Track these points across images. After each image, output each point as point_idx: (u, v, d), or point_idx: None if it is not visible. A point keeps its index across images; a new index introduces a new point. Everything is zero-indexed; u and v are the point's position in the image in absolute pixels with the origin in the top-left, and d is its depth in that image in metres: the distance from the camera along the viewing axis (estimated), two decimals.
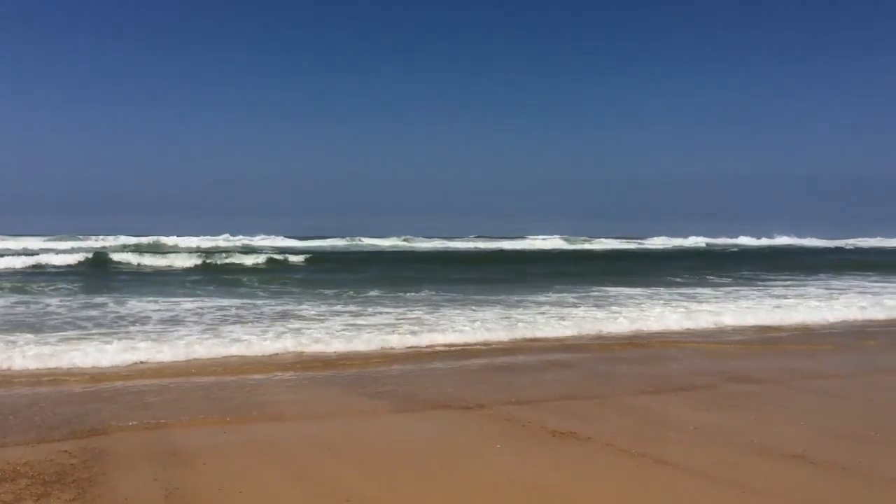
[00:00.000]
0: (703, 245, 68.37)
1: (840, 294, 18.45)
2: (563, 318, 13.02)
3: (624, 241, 68.77)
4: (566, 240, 65.23)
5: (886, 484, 4.69)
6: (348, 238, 62.85)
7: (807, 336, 11.98)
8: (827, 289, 20.26)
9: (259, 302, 15.82)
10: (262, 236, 60.79)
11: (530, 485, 4.71)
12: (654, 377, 8.37)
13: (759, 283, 23.07)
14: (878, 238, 79.37)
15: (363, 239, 62.54)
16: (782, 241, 76.59)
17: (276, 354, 9.80)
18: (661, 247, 63.32)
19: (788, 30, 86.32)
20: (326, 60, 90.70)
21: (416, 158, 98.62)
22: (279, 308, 14.55)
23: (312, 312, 13.82)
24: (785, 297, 17.77)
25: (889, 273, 27.65)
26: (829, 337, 11.87)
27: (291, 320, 12.66)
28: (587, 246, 61.11)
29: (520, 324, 12.19)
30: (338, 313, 13.70)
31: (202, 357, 9.42)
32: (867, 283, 22.38)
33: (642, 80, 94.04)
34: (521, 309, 14.56)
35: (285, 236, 61.90)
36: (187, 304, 15.19)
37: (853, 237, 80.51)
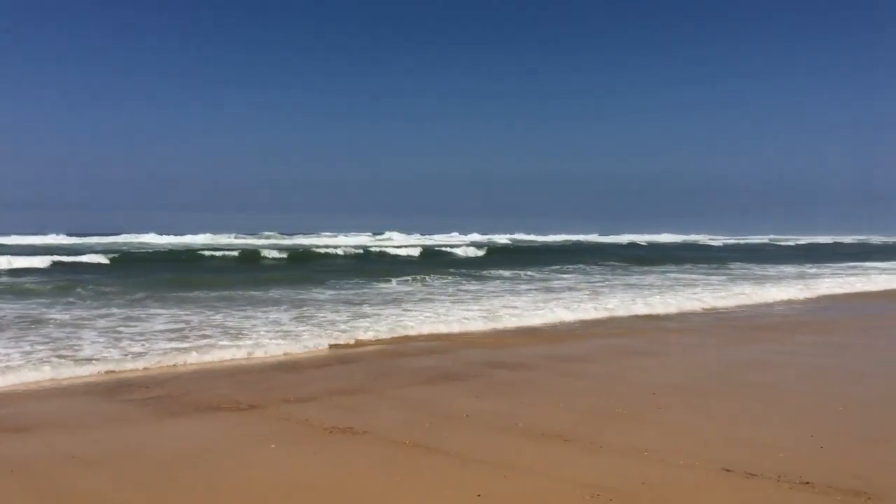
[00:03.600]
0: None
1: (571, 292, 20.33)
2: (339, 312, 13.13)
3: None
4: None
5: (629, 451, 5.32)
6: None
7: (566, 329, 13.14)
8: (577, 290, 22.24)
9: None
10: None
11: (305, 484, 4.76)
12: (430, 369, 8.75)
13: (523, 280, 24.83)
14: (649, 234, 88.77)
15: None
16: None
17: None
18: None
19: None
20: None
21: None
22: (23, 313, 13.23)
23: (66, 317, 12.73)
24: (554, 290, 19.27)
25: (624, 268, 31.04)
26: (579, 328, 13.11)
27: (45, 326, 11.58)
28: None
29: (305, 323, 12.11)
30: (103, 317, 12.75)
31: None
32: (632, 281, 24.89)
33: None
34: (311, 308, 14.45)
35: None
36: None
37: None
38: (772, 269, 30.03)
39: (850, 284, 21.86)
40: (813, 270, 29.70)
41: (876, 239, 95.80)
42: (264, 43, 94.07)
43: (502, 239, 68.81)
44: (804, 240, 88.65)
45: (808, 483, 4.69)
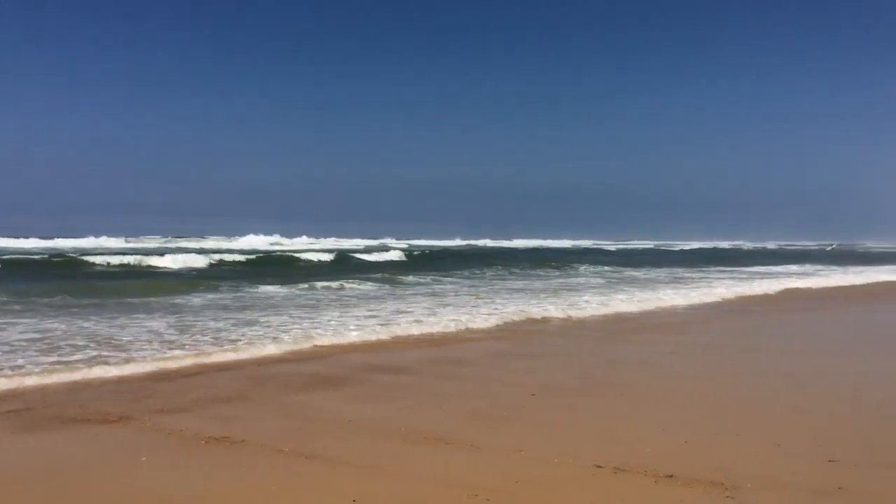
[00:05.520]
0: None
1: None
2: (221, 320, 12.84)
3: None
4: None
5: (507, 451, 5.52)
6: None
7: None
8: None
9: None
10: None
11: (177, 496, 4.67)
12: (312, 375, 8.71)
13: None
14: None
15: None
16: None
17: None
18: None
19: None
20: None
21: None
22: None
23: None
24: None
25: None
26: (464, 332, 13.39)
27: None
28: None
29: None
30: None
31: None
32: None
33: None
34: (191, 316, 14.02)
35: None
36: None
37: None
38: (656, 272, 31.58)
39: (728, 288, 23.26)
40: (695, 275, 31.41)
41: (748, 245, 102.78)
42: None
43: (399, 244, 68.87)
44: (690, 245, 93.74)
45: (672, 476, 5.01)
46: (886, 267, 39.71)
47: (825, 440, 5.92)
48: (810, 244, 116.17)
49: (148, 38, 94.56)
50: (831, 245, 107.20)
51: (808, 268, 38.72)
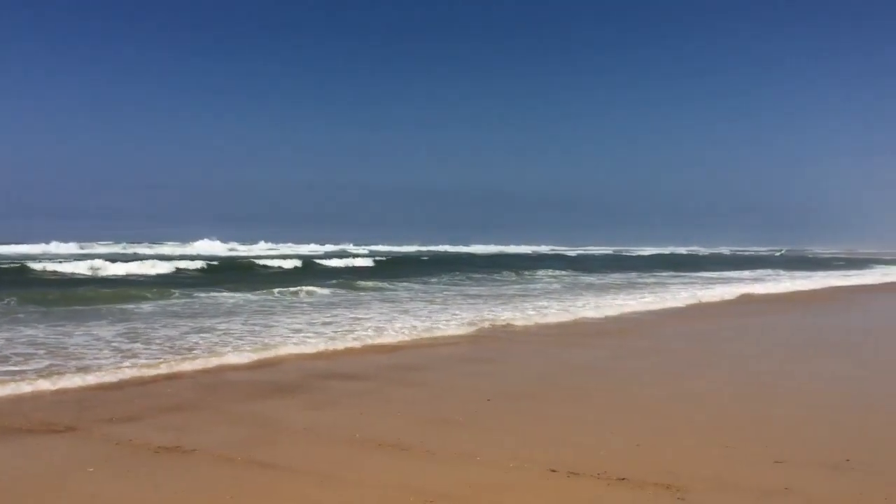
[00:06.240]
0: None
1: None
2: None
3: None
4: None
5: (462, 457, 5.56)
6: None
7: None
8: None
9: None
10: None
11: None
12: (267, 383, 8.65)
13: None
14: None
15: None
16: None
17: None
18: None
19: None
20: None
21: None
22: None
23: None
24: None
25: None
26: (420, 339, 13.42)
27: None
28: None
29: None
30: None
31: None
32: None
33: None
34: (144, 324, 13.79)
35: None
36: None
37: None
38: (614, 277, 32.01)
39: (686, 293, 23.67)
40: (653, 280, 31.91)
41: (704, 251, 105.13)
42: None
43: (360, 250, 68.49)
44: (647, 251, 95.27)
45: (624, 479, 5.11)
46: (836, 272, 40.92)
47: (773, 442, 6.08)
48: (761, 249, 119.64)
49: (94, 36, 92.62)
50: (780, 251, 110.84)
51: (760, 273, 39.67)
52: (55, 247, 53.12)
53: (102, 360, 9.71)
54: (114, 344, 11.03)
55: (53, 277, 28.89)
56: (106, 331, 12.41)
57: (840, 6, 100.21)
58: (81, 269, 31.71)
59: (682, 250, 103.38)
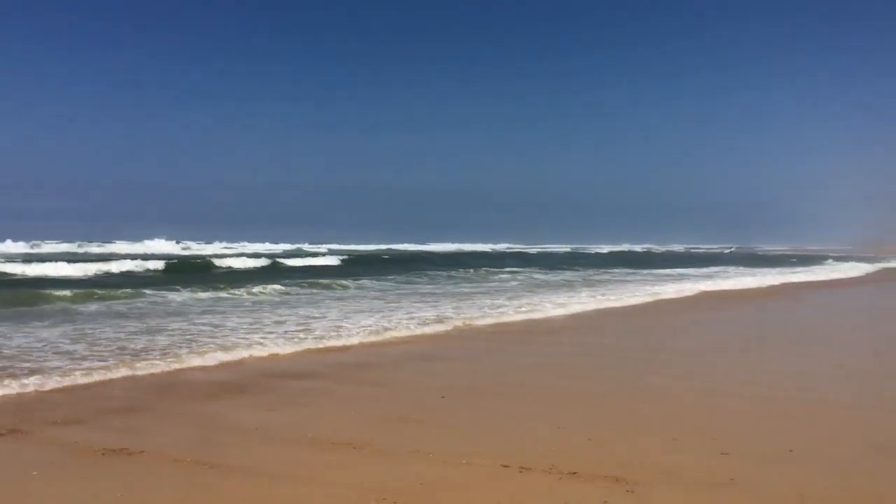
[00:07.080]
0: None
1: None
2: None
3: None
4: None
5: (415, 454, 5.60)
6: None
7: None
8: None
9: None
10: None
11: None
12: (217, 384, 8.58)
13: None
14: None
15: None
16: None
17: None
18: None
19: None
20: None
21: None
22: None
23: None
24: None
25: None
26: (375, 338, 13.43)
27: None
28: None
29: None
30: None
31: None
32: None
33: None
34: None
35: None
36: None
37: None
38: (573, 274, 32.35)
39: (642, 290, 24.05)
40: (611, 277, 32.32)
41: (658, 248, 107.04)
42: None
43: (319, 248, 67.95)
44: (604, 248, 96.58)
45: (575, 473, 5.21)
46: (800, 269, 42.17)
47: (719, 434, 6.25)
48: (713, 247, 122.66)
49: (48, 36, 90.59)
50: (730, 248, 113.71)
51: (713, 269, 40.44)
52: (7, 246, 51.73)
53: (47, 361, 9.52)
54: (59, 345, 10.81)
55: None
56: (50, 332, 12.16)
57: (791, 8, 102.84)
58: (26, 270, 30.96)
59: (638, 248, 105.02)
